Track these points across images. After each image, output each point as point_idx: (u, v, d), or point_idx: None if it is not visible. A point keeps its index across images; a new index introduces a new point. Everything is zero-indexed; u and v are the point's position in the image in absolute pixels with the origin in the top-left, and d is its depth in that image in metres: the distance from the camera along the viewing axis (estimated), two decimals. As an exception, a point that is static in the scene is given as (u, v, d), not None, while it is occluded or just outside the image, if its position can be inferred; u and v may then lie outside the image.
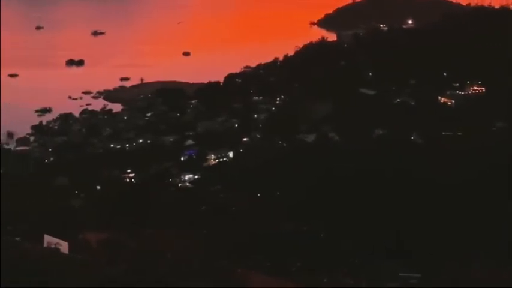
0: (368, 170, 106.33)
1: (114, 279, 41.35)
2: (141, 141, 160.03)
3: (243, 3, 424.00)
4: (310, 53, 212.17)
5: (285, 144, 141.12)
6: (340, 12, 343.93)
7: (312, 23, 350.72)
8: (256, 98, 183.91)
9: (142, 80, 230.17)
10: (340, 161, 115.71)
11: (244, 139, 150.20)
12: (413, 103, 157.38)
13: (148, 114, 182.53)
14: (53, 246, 44.88)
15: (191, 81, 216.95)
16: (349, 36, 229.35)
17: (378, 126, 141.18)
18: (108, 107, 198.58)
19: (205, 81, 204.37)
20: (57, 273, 31.52)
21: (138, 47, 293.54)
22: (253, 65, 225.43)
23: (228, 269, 61.14)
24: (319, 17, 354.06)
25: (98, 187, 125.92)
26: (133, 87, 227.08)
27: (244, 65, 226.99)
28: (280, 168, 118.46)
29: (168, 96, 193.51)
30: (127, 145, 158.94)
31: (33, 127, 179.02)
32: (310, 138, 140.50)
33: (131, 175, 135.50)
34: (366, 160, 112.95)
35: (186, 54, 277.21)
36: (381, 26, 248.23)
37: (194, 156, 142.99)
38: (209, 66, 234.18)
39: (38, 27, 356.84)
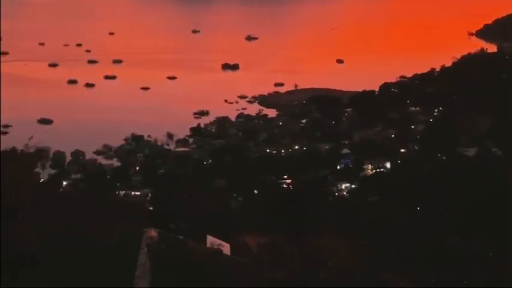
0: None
1: (276, 284, 41.62)
2: (296, 147, 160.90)
3: (399, 11, 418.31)
4: (469, 64, 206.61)
5: (444, 157, 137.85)
6: (500, 23, 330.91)
7: (471, 34, 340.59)
8: (413, 108, 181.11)
9: (296, 86, 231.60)
10: (504, 178, 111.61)
11: (402, 150, 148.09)
12: None
13: (303, 121, 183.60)
14: (215, 247, 45.60)
15: (345, 89, 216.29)
16: (511, 48, 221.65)
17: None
18: (263, 112, 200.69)
19: (360, 89, 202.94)
20: (222, 274, 31.95)
21: (291, 53, 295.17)
22: (409, 75, 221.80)
23: (391, 281, 60.32)
24: (478, 28, 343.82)
25: (255, 191, 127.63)
26: (287, 93, 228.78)
27: (400, 74, 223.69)
28: (440, 182, 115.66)
29: (323, 103, 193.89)
30: (283, 151, 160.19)
31: (192, 129, 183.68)
32: (471, 152, 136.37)
33: (288, 181, 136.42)
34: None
35: (340, 61, 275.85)
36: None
37: (350, 165, 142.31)
38: (363, 75, 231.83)
39: (194, 31, 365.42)
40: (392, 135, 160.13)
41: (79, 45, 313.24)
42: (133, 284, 21.23)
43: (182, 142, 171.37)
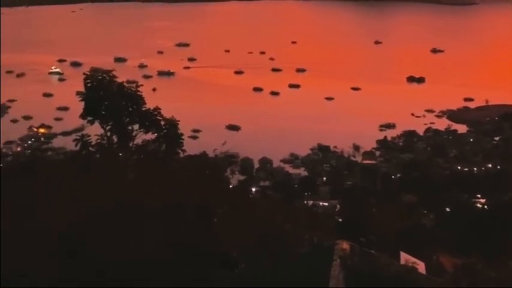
0: None
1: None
2: (489, 165, 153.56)
3: None
4: None
5: None
6: None
7: None
8: None
9: (487, 101, 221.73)
10: None
11: None
12: None
13: (496, 138, 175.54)
14: (410, 264, 42.61)
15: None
16: None
17: None
18: (452, 127, 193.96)
19: None
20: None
21: (480, 67, 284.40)
22: None
23: None
24: None
25: (447, 209, 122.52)
26: (477, 108, 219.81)
27: None
28: None
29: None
30: (475, 168, 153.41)
31: (378, 141, 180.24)
32: None
33: (482, 200, 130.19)
34: None
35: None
36: None
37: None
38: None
39: (377, 42, 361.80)
40: None
41: (262, 53, 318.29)
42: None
43: (369, 154, 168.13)
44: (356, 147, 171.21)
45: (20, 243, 22.90)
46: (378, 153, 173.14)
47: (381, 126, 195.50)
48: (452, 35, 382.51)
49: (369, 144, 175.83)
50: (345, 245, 22.15)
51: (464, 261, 61.79)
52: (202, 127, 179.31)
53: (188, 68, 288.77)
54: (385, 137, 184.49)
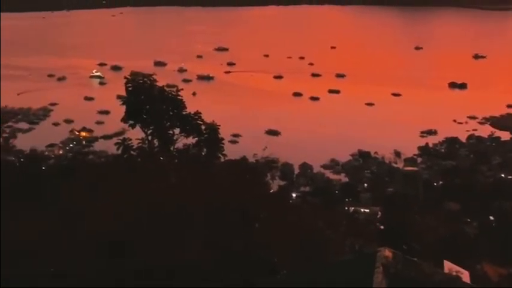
0: None
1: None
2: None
3: None
4: None
5: None
6: None
7: None
8: None
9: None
10: None
11: None
12: None
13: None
14: (454, 273, 41.59)
15: None
16: None
17: None
18: (495, 134, 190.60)
19: None
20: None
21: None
22: None
23: None
24: None
25: (491, 217, 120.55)
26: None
27: None
28: None
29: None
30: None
31: (420, 148, 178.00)
32: None
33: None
34: None
35: None
36: None
37: None
38: None
39: (417, 48, 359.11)
40: None
41: (302, 58, 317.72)
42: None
43: (410, 161, 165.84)
44: (397, 154, 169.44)
45: (60, 245, 22.85)
46: (419, 159, 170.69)
47: (422, 132, 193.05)
48: (495, 41, 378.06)
49: (410, 151, 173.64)
50: (388, 253, 21.47)
51: (508, 270, 60.64)
52: (242, 132, 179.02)
53: (228, 72, 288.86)
54: (427, 143, 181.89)
